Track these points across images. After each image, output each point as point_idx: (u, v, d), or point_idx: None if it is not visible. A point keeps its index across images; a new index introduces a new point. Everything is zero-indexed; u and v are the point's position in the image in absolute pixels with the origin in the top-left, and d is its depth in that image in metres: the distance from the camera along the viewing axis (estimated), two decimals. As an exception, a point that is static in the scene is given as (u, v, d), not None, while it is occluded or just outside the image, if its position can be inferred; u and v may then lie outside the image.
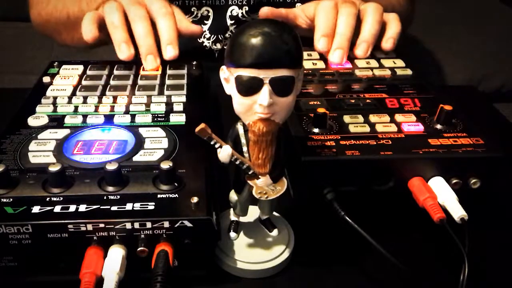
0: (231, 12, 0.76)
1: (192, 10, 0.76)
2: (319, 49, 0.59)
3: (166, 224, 0.35)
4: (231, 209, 0.41)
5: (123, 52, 0.55)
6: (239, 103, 0.33)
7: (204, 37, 0.77)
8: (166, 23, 0.56)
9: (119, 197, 0.37)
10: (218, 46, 0.78)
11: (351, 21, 0.59)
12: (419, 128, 0.46)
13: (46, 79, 0.55)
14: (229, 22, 0.77)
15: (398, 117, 0.47)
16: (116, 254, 0.35)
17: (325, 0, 0.60)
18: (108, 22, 0.57)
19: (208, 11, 0.76)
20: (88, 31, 0.56)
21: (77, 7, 0.69)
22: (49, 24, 0.76)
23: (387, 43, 0.61)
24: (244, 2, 0.76)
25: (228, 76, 0.34)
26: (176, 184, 0.38)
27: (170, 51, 0.56)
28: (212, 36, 0.78)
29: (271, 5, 0.62)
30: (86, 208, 0.36)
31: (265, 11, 0.61)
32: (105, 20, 0.57)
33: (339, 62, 0.58)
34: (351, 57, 0.60)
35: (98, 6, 0.63)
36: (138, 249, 0.35)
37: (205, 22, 0.77)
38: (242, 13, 0.76)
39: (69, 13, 0.71)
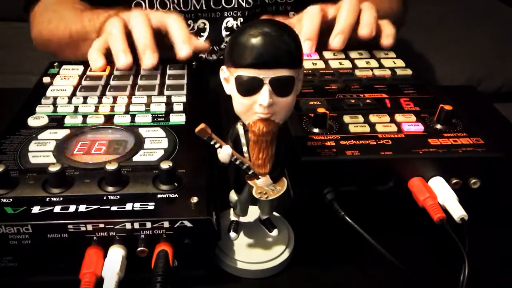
0: (226, 23, 0.77)
1: (189, 22, 0.77)
2: (305, 51, 0.59)
3: (166, 224, 0.35)
4: (231, 209, 0.41)
5: (121, 60, 0.55)
6: (239, 103, 0.33)
7: None
8: (177, 22, 0.57)
9: (119, 197, 0.37)
10: (214, 57, 0.79)
11: (354, 7, 0.60)
12: (419, 128, 0.45)
13: (46, 79, 0.55)
14: (224, 33, 0.78)
15: (398, 117, 0.47)
16: (116, 254, 0.35)
17: (314, 6, 0.61)
18: (107, 33, 0.57)
19: (204, 24, 0.77)
20: (96, 62, 0.56)
21: (80, 25, 0.69)
22: (51, 43, 0.75)
23: (388, 39, 0.61)
24: (239, 14, 0.77)
25: (228, 76, 0.34)
26: (176, 184, 0.38)
27: (186, 50, 0.56)
28: None
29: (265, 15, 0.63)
30: (86, 208, 0.36)
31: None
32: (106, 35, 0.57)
33: (340, 48, 0.59)
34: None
35: (101, 25, 0.64)
36: (138, 249, 0.36)
37: (202, 34, 0.78)
38: (237, 24, 0.77)
39: (72, 32, 0.70)
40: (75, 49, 0.71)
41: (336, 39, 0.59)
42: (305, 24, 0.60)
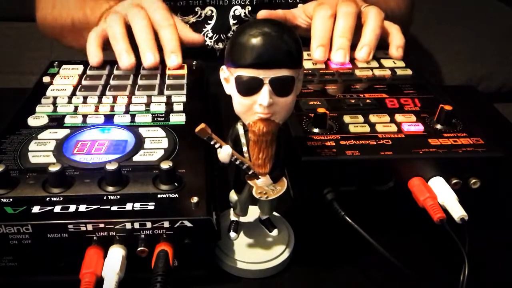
0: (233, 12, 0.77)
1: (196, 10, 0.76)
2: (316, 59, 0.59)
3: (166, 224, 0.35)
4: (231, 209, 0.41)
5: (124, 61, 0.56)
6: (239, 103, 0.33)
7: (207, 36, 0.78)
8: (169, 32, 0.57)
9: (119, 197, 0.37)
10: (220, 45, 0.79)
11: (350, 21, 0.59)
12: (419, 128, 0.46)
13: (46, 79, 0.55)
14: (231, 21, 0.77)
15: (398, 117, 0.47)
16: (116, 254, 0.35)
17: (323, 5, 0.60)
18: (110, 35, 0.57)
19: (212, 11, 0.77)
20: (94, 56, 0.57)
21: (82, 13, 0.70)
22: (55, 28, 0.77)
23: (398, 52, 0.60)
24: (247, 2, 0.77)
25: (228, 76, 0.34)
26: (176, 184, 0.38)
27: (174, 60, 0.57)
28: (215, 35, 0.78)
29: (273, 5, 0.62)
30: (86, 208, 0.36)
31: (263, 14, 0.62)
32: (107, 34, 0.57)
33: (343, 62, 0.58)
34: (351, 58, 0.60)
35: (101, 14, 0.64)
36: (138, 249, 0.36)
37: (209, 22, 0.77)
38: (244, 12, 0.77)
39: (74, 19, 0.72)
40: (78, 36, 0.72)
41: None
42: (317, 29, 0.59)
